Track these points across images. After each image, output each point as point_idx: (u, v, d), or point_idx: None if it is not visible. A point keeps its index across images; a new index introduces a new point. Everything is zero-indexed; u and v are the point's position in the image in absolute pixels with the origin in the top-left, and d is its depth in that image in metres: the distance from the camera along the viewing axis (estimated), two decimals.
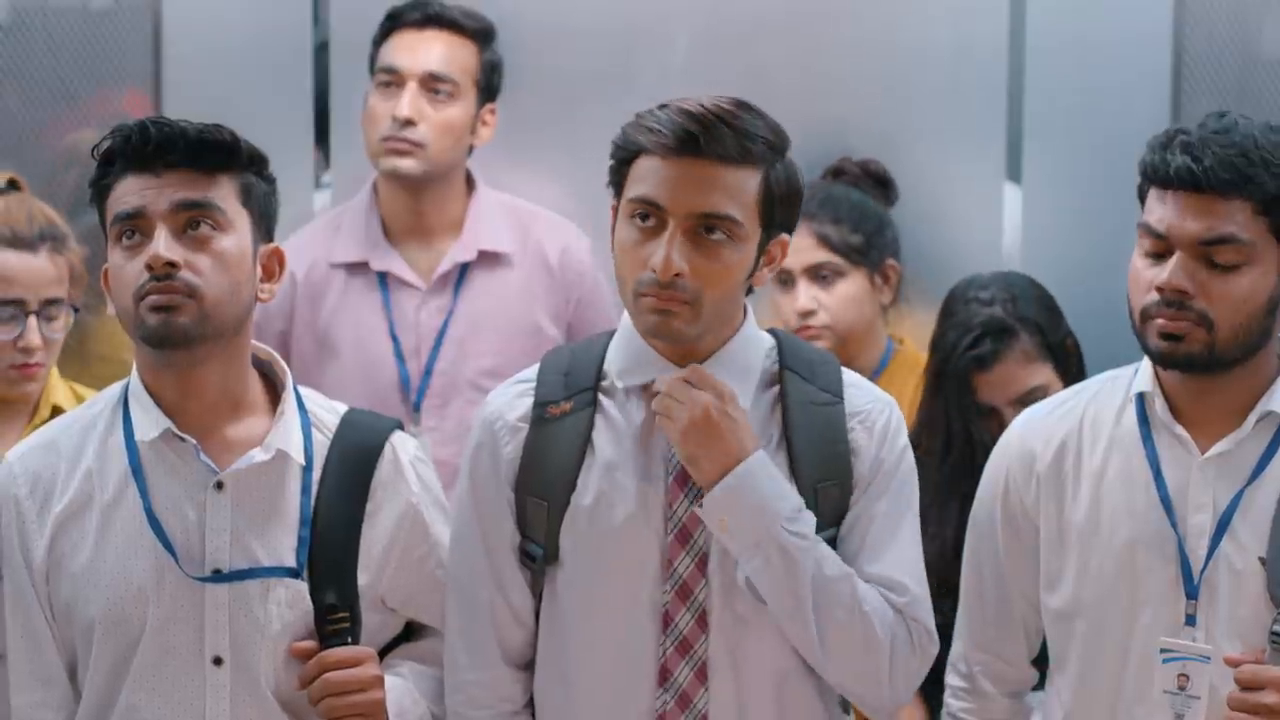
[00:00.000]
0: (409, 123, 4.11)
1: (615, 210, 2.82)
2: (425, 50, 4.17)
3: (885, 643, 2.81)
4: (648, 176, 2.75)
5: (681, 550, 2.81)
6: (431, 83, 4.14)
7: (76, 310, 3.65)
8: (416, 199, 4.20)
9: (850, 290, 4.01)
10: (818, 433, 2.83)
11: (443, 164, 4.16)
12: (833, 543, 2.83)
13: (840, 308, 4.00)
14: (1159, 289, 2.83)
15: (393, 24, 4.20)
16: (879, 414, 2.87)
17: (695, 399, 2.75)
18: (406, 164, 4.13)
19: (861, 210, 4.06)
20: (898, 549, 2.85)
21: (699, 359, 2.82)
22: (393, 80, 4.15)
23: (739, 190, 2.75)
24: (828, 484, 2.83)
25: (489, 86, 4.23)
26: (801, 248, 3.92)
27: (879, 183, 4.17)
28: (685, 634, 2.81)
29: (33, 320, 3.57)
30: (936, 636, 2.88)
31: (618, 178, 2.81)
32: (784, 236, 2.84)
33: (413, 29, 4.19)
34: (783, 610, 2.78)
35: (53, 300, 3.60)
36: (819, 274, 4.01)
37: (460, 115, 4.17)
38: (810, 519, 2.79)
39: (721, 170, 2.74)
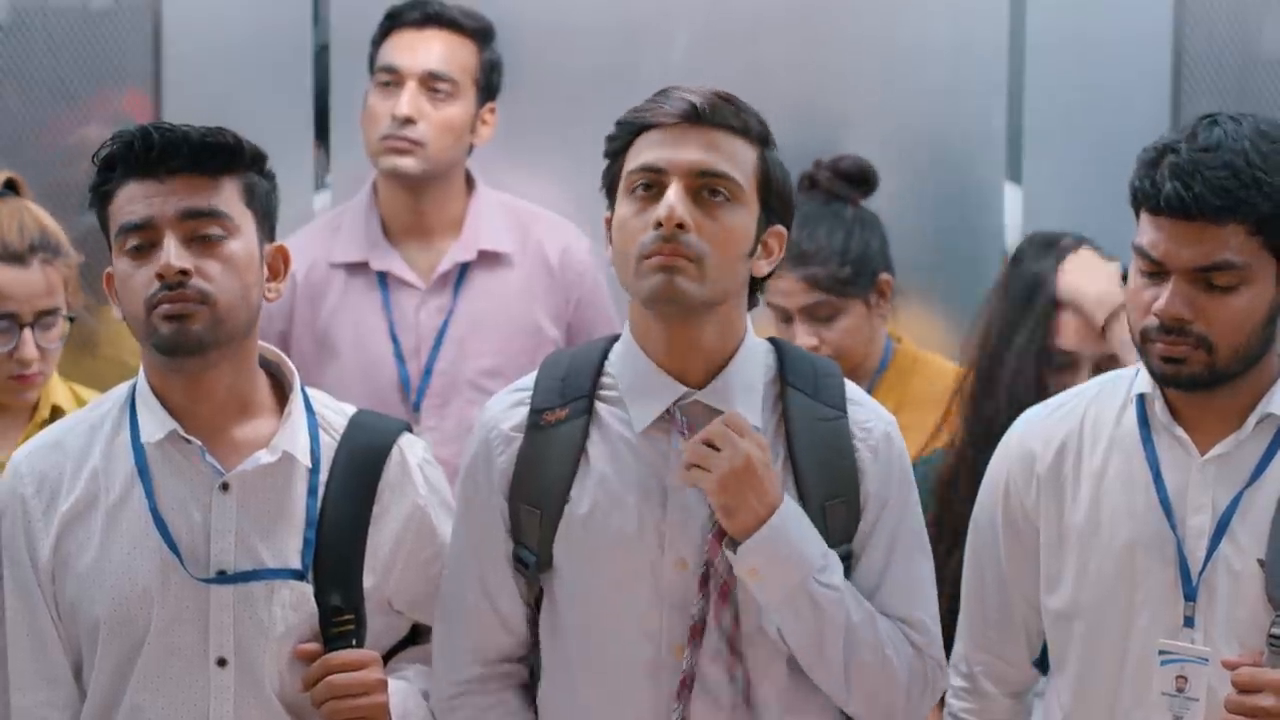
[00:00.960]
0: (408, 121, 4.11)
1: (609, 222, 2.82)
2: (424, 49, 4.17)
3: (904, 681, 2.84)
4: (647, 148, 2.76)
5: (724, 606, 2.79)
6: (431, 81, 4.14)
7: (72, 320, 3.65)
8: (416, 198, 4.20)
9: (849, 322, 3.98)
10: (823, 449, 2.82)
11: (442, 163, 4.16)
12: (846, 558, 2.83)
13: (841, 340, 3.97)
14: (1157, 315, 2.82)
15: (392, 24, 4.21)
16: (881, 434, 2.86)
17: (739, 447, 2.73)
18: (406, 162, 4.13)
19: (845, 239, 3.99)
20: (918, 587, 2.88)
21: (703, 372, 2.80)
22: (392, 79, 4.15)
23: (739, 157, 2.77)
24: (836, 501, 2.82)
25: (489, 86, 4.23)
26: (794, 291, 3.93)
27: (854, 181, 4.08)
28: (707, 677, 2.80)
29: (27, 333, 3.57)
30: (948, 670, 2.96)
31: (612, 172, 2.81)
32: (780, 228, 2.84)
33: (412, 28, 4.19)
34: (810, 657, 2.79)
35: (47, 311, 3.60)
36: (815, 314, 3.98)
37: (460, 114, 4.17)
38: (837, 565, 2.79)
39: (722, 136, 2.76)
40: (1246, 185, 2.77)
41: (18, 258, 3.57)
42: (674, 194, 2.72)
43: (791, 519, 2.76)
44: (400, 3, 4.22)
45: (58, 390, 3.71)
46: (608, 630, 2.81)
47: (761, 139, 2.80)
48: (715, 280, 2.74)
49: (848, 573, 2.83)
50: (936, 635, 2.89)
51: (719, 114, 2.76)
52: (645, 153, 2.76)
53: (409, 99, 4.11)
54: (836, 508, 2.82)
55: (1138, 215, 2.87)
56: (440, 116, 4.14)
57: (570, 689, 2.84)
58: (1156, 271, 2.83)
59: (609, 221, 2.82)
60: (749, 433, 2.75)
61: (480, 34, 4.23)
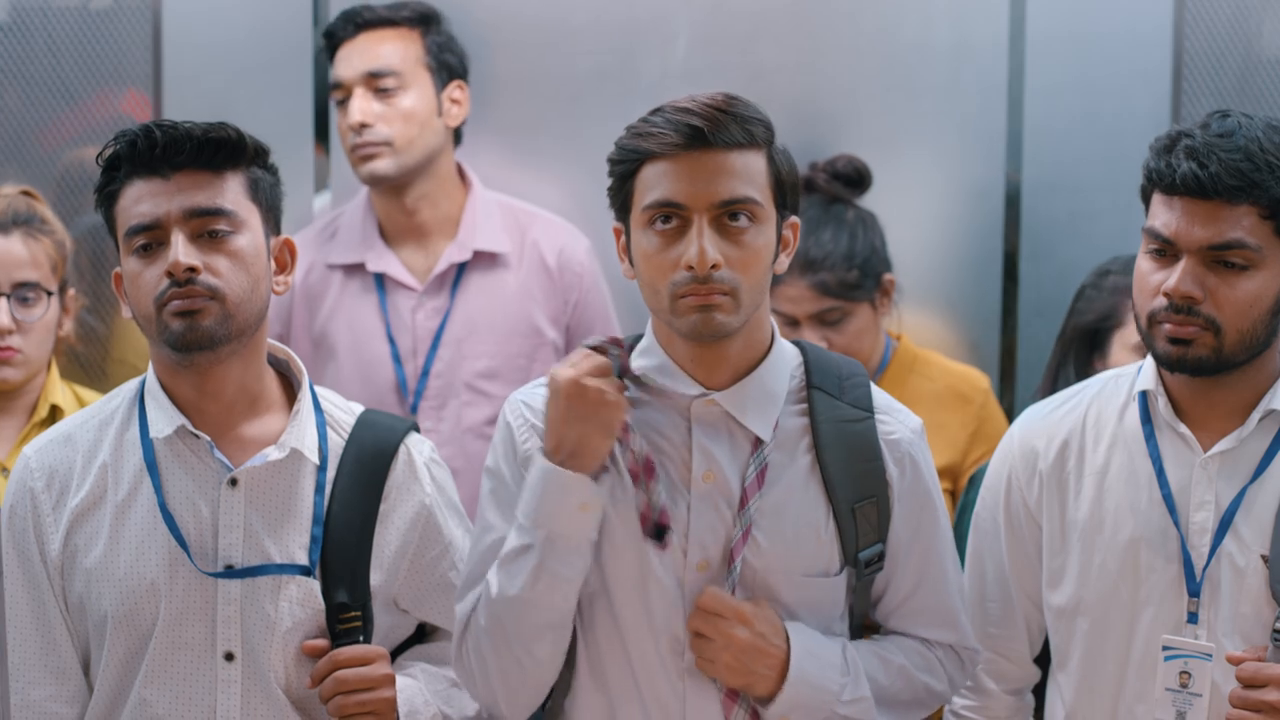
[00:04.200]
0: (364, 126, 4.10)
1: (619, 232, 2.81)
2: (360, 55, 4.15)
3: (947, 689, 2.93)
4: (660, 180, 2.73)
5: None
6: (373, 81, 4.12)
7: (54, 291, 3.64)
8: (404, 197, 4.18)
9: (858, 324, 3.98)
10: (851, 452, 2.83)
11: (416, 153, 4.14)
12: (880, 558, 2.85)
13: (850, 342, 3.97)
14: (1166, 294, 2.83)
15: (332, 44, 4.19)
16: (907, 446, 2.87)
17: (729, 637, 2.76)
18: (378, 165, 4.12)
19: (850, 242, 3.99)
20: (949, 591, 2.92)
21: (728, 378, 2.80)
22: (341, 95, 4.15)
23: (752, 173, 2.74)
24: (865, 502, 2.83)
25: (445, 66, 4.19)
26: (804, 298, 3.93)
27: (850, 182, 4.09)
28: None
29: (3, 302, 3.57)
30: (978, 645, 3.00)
31: (622, 194, 2.78)
32: (793, 219, 2.83)
33: (347, 43, 4.17)
34: None
35: (26, 283, 3.60)
36: (825, 320, 3.97)
37: (416, 102, 4.14)
38: (859, 678, 2.82)
39: (732, 156, 2.73)
40: (1260, 169, 2.80)
41: None
42: (702, 235, 2.71)
43: (804, 660, 2.79)
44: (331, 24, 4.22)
45: (56, 390, 3.71)
46: (631, 631, 2.81)
47: (766, 138, 2.77)
48: (749, 303, 2.75)
49: (881, 571, 2.86)
50: (967, 624, 2.95)
51: (724, 133, 2.72)
52: (658, 186, 2.73)
53: (357, 105, 4.10)
54: (867, 508, 2.83)
55: (1147, 202, 2.88)
56: (395, 111, 4.12)
57: (602, 690, 2.84)
58: (1167, 254, 2.84)
59: (619, 232, 2.81)
60: (731, 612, 2.77)
61: (417, 20, 4.19)
